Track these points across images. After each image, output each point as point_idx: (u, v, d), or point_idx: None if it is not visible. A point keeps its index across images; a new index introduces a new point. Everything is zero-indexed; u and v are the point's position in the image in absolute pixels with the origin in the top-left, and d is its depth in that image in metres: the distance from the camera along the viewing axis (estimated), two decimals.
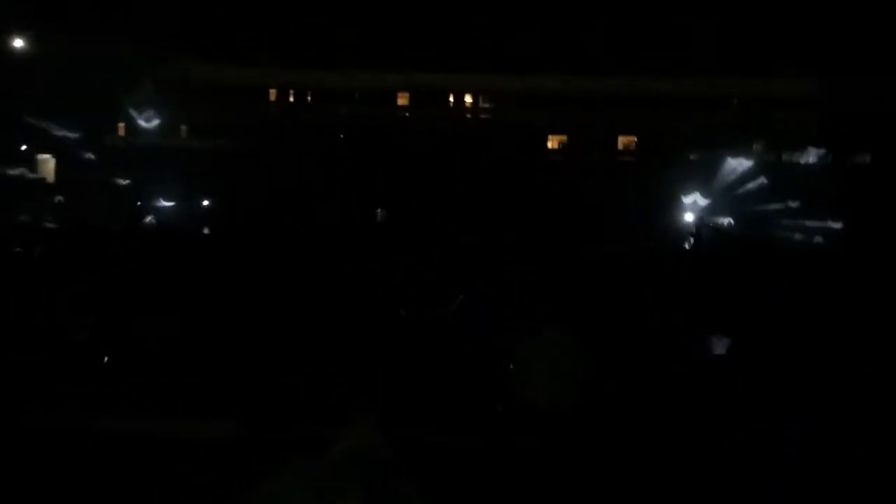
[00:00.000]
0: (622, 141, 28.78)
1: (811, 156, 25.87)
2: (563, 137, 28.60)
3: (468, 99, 29.88)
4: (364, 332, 6.59)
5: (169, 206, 23.91)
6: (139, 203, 23.31)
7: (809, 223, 21.77)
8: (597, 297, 8.06)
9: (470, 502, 4.14)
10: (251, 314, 7.46)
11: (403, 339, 6.52)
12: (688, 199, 24.37)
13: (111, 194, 23.85)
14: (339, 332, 6.67)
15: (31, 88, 24.29)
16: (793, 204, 23.13)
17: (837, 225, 21.38)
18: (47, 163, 27.79)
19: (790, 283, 8.68)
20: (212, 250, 12.95)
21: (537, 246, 13.24)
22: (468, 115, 29.69)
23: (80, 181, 24.99)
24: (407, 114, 29.20)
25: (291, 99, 30.00)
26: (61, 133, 26.13)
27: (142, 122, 27.69)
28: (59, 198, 24.42)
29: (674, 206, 24.32)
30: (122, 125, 28.31)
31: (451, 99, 29.67)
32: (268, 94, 29.83)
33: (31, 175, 26.38)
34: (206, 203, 24.83)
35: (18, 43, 25.54)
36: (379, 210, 25.58)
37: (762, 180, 24.48)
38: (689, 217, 24.16)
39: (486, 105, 29.62)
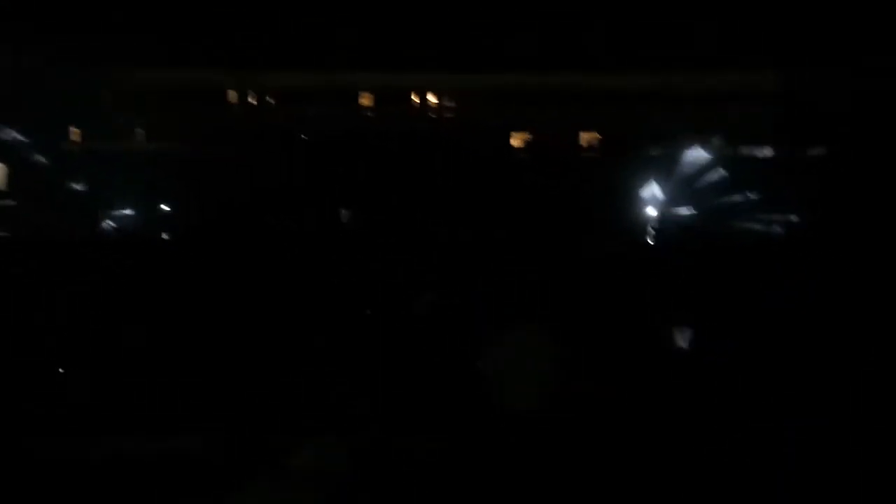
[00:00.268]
0: (584, 137, 29.03)
1: (771, 149, 26.40)
2: (527, 135, 28.73)
3: (431, 98, 29.82)
4: (333, 338, 6.50)
5: (128, 213, 23.35)
6: (98, 210, 22.72)
7: (771, 217, 22.20)
8: (565, 294, 8.07)
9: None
10: (214, 323, 7.30)
11: (374, 342, 6.44)
12: (650, 195, 24.66)
13: (68, 201, 23.21)
14: (307, 339, 6.56)
15: None
16: (754, 197, 23.55)
17: (799, 218, 21.86)
18: None
19: (754, 276, 8.83)
20: (173, 257, 12.69)
21: (504, 244, 13.26)
22: (432, 115, 29.64)
23: (34, 188, 24.27)
24: (370, 114, 29.01)
25: (251, 100, 29.56)
26: (12, 139, 25.32)
27: (97, 127, 26.99)
28: (12, 206, 23.66)
29: (637, 201, 24.59)
30: (76, 130, 27.54)
31: (415, 98, 29.58)
32: (226, 95, 29.33)
33: None
34: (166, 208, 24.29)
35: None
36: (343, 211, 25.34)
37: (723, 174, 24.88)
38: (651, 212, 24.45)
39: (450, 104, 29.61)
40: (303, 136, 29.57)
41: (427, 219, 20.50)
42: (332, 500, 2.97)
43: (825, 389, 5.44)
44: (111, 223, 23.06)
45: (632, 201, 25.81)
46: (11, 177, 28.13)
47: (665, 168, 26.91)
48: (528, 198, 24.58)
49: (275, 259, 10.38)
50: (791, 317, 7.16)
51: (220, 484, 3.42)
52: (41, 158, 27.03)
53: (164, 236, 18.91)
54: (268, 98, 31.18)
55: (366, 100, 31.39)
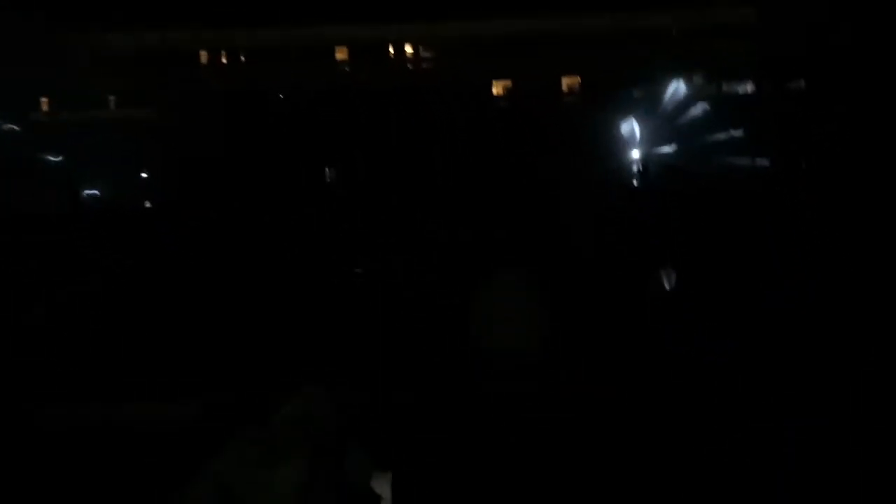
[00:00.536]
0: (566, 82, 28.63)
1: (753, 86, 26.18)
2: (508, 82, 28.28)
3: (408, 49, 29.19)
4: (317, 294, 6.43)
5: (104, 184, 22.92)
6: (71, 179, 22.29)
7: (754, 154, 22.13)
8: (550, 239, 8.01)
9: (425, 460, 4.07)
10: (194, 289, 7.22)
11: (359, 295, 6.38)
12: (633, 136, 24.51)
13: (41, 175, 22.74)
14: (292, 296, 6.50)
15: None
16: (738, 135, 23.43)
17: (781, 156, 21.81)
18: None
19: (739, 214, 8.79)
20: (153, 227, 12.51)
21: (489, 191, 13.14)
22: (409, 66, 29.06)
23: (4, 163, 23.74)
24: (347, 68, 28.39)
25: (224, 60, 28.80)
26: None
27: (67, 95, 26.26)
28: None
29: (620, 143, 24.44)
30: (45, 100, 26.81)
31: (392, 50, 28.94)
32: (198, 56, 28.54)
33: None
34: (143, 176, 23.88)
35: None
36: (326, 169, 25.03)
37: (707, 113, 24.70)
38: (635, 153, 24.32)
39: (428, 54, 29.02)
40: (279, 94, 28.97)
41: (410, 170, 20.27)
42: (317, 454, 2.91)
43: (814, 336, 5.45)
44: (85, 192, 22.66)
45: (615, 143, 25.67)
46: None
47: (647, 108, 26.69)
48: (512, 144, 24.36)
49: (255, 219, 10.23)
50: (778, 256, 7.14)
51: (204, 444, 3.35)
52: (9, 129, 26.38)
53: (141, 203, 18.62)
54: (241, 57, 30.42)
55: (342, 54, 30.69)
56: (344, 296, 6.24)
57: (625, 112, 24.61)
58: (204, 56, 28.56)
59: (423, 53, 29.13)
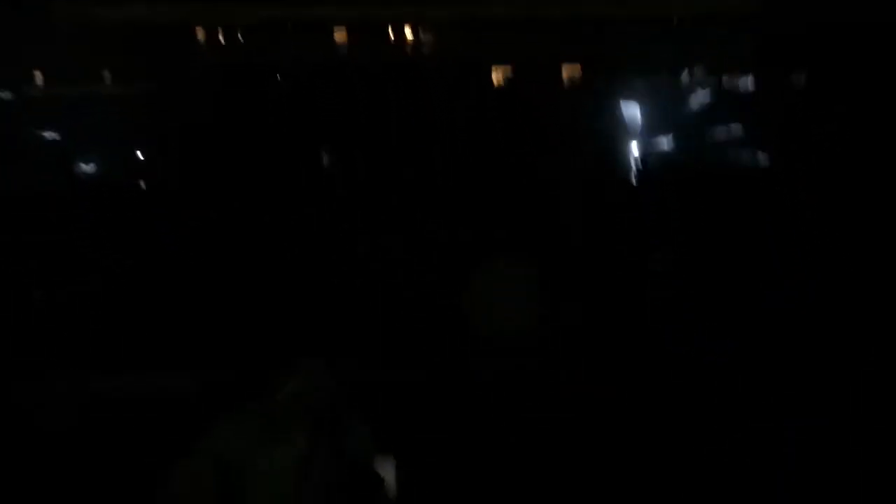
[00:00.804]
0: (565, 69, 28.52)
1: (754, 78, 26.11)
2: (508, 67, 28.14)
3: (408, 31, 29.00)
4: (317, 274, 6.43)
5: (98, 158, 22.77)
6: (66, 157, 22.16)
7: (756, 146, 22.15)
8: (549, 228, 8.01)
9: (424, 436, 4.09)
10: (195, 266, 7.23)
11: (350, 278, 6.37)
12: (634, 125, 24.48)
13: (38, 151, 22.59)
14: (291, 276, 6.49)
15: None
16: (737, 129, 23.40)
17: (782, 149, 21.83)
18: None
19: (740, 206, 8.79)
20: (151, 203, 12.50)
21: (487, 178, 13.10)
22: (409, 48, 28.89)
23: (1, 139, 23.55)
24: (345, 49, 28.19)
25: (220, 37, 28.53)
26: None
27: (61, 69, 25.98)
28: None
29: (619, 134, 24.39)
30: (38, 73, 26.51)
31: (391, 32, 28.75)
32: (194, 31, 28.26)
33: None
34: (137, 153, 23.71)
35: None
36: (322, 152, 24.89)
37: (706, 105, 24.65)
38: (635, 143, 24.29)
39: (428, 37, 28.85)
40: (277, 74, 28.76)
41: (408, 155, 20.22)
42: (317, 429, 2.91)
43: (814, 335, 5.48)
44: (81, 170, 22.49)
45: (615, 132, 25.61)
46: None
47: (648, 98, 26.61)
48: (511, 131, 24.27)
49: (252, 198, 10.20)
50: (780, 254, 7.16)
51: (205, 419, 3.35)
52: (2, 104, 26.12)
53: (137, 182, 18.52)
54: (238, 34, 30.12)
55: (340, 34, 30.45)
56: (344, 274, 6.24)
57: (624, 102, 24.55)
58: (200, 31, 28.29)
59: (421, 35, 28.96)
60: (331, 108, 24.76)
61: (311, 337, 4.67)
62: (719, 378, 4.63)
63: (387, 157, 20.12)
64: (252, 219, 8.61)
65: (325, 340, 4.41)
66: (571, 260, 6.86)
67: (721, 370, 4.67)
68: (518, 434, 4.33)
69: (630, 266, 7.18)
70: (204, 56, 27.88)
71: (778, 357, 4.76)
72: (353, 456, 3.13)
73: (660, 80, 25.20)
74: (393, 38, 29.11)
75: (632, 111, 24.46)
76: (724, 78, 26.34)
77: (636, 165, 22.46)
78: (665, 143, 24.29)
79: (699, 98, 24.90)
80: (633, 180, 19.04)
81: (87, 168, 22.76)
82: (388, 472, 3.19)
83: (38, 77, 26.92)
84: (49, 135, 24.13)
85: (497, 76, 28.93)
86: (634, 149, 24.10)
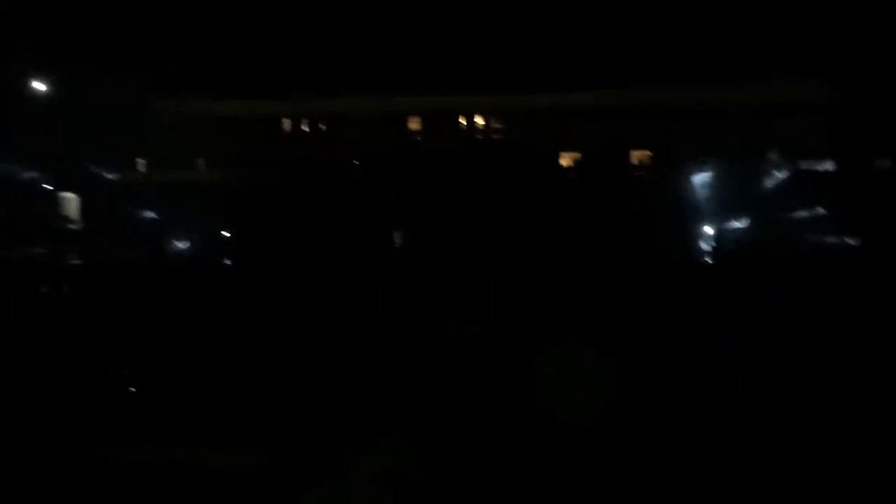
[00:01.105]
0: (635, 155, 28.79)
1: (828, 163, 25.67)
2: (577, 154, 28.66)
3: (479, 120, 30.11)
4: (387, 353, 6.63)
5: (189, 239, 24.23)
6: (161, 236, 23.67)
7: (828, 231, 21.54)
8: (620, 311, 8.04)
9: None
10: (275, 343, 7.52)
11: (427, 360, 6.54)
12: (705, 211, 24.25)
13: (134, 229, 24.25)
14: (363, 358, 6.71)
15: (53, 128, 24.89)
16: (811, 212, 22.89)
17: (856, 232, 21.14)
18: (70, 201, 28.38)
19: (810, 291, 8.62)
20: (234, 282, 13.09)
21: (556, 262, 13.24)
22: (479, 136, 29.90)
23: (102, 217, 25.45)
24: (419, 137, 29.47)
25: (305, 128, 30.43)
26: (82, 170, 26.70)
27: (161, 157, 28.23)
28: (82, 234, 24.89)
29: (692, 218, 24.20)
30: (141, 161, 28.87)
31: (462, 121, 29.92)
32: (281, 123, 30.29)
33: (54, 212, 26.95)
34: (226, 235, 25.14)
35: (40, 84, 26.23)
36: (396, 234, 25.70)
37: (779, 189, 24.30)
38: (707, 229, 24.02)
39: (498, 125, 29.83)
40: (354, 160, 30.27)
41: (479, 239, 20.61)
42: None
43: (880, 395, 5.34)
44: (175, 247, 23.99)
45: (684, 218, 25.41)
46: (82, 205, 29.69)
47: (717, 183, 26.43)
48: (579, 217, 24.44)
49: (331, 280, 10.64)
50: (850, 329, 6.99)
51: (293, 493, 3.53)
52: (109, 188, 28.43)
53: (225, 260, 19.53)
54: (320, 125, 32.10)
55: (415, 124, 31.92)
56: (422, 354, 6.43)
57: (693, 187, 24.48)
58: (287, 123, 30.29)
59: (493, 123, 29.95)
60: (406, 192, 25.72)
61: (395, 418, 4.79)
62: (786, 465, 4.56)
63: (461, 242, 20.58)
64: (330, 301, 9.00)
65: (408, 423, 4.53)
66: (643, 344, 6.86)
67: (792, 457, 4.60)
68: None
69: (702, 351, 7.11)
70: (290, 145, 29.64)
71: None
72: None
73: (729, 167, 25.06)
74: (464, 125, 30.19)
75: (702, 197, 24.31)
76: (797, 163, 25.95)
77: (705, 250, 22.15)
78: (735, 228, 23.93)
79: (767, 182, 24.61)
80: (703, 265, 18.75)
81: (178, 246, 24.19)
82: None
83: (142, 163, 29.19)
84: (147, 214, 25.97)
85: (567, 162, 29.37)
86: (706, 235, 23.82)
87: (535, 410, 5.12)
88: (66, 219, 27.34)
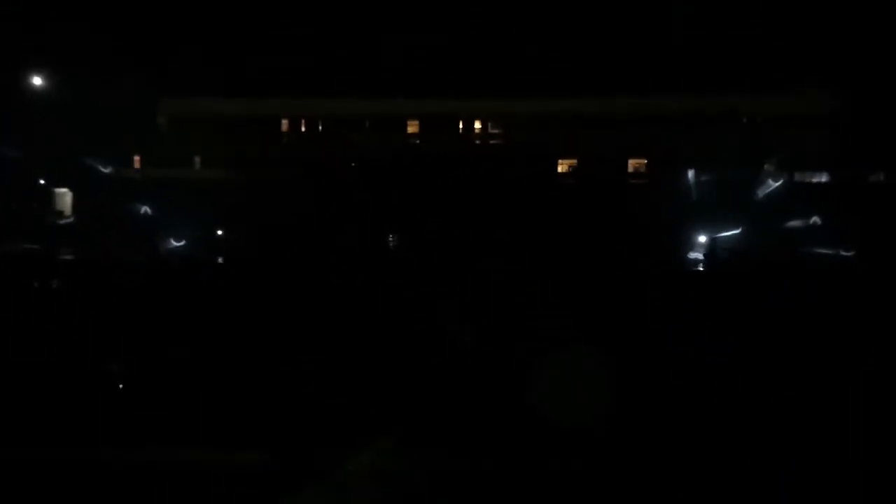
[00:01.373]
0: (632, 163, 28.86)
1: (825, 173, 25.78)
2: (574, 161, 28.71)
3: (477, 125, 30.14)
4: (384, 354, 6.61)
5: (185, 236, 24.16)
6: (155, 233, 23.60)
7: (824, 241, 21.62)
8: (613, 315, 8.05)
9: None
10: (269, 342, 7.49)
11: (422, 359, 6.52)
12: (699, 220, 24.32)
13: (128, 226, 24.16)
14: (358, 357, 6.69)
15: (47, 125, 24.81)
16: (806, 222, 23.00)
17: (851, 242, 21.23)
18: (64, 196, 28.26)
19: (804, 300, 8.64)
20: (229, 280, 13.06)
21: (552, 267, 13.25)
22: (478, 141, 29.92)
23: (96, 213, 25.35)
24: (417, 141, 29.46)
25: (303, 129, 30.39)
26: (77, 167, 26.60)
27: (157, 155, 28.15)
28: (76, 230, 24.79)
29: (686, 226, 24.27)
30: (137, 158, 28.77)
31: (461, 125, 29.93)
32: (279, 124, 30.23)
33: (48, 208, 26.84)
34: (220, 233, 25.07)
35: (36, 81, 26.14)
36: (391, 236, 25.68)
37: (775, 198, 24.39)
38: (701, 237, 24.08)
39: (496, 130, 29.86)
40: (352, 163, 30.24)
41: (476, 244, 20.61)
42: None
43: (877, 398, 5.36)
44: (168, 246, 23.92)
45: (680, 226, 25.47)
46: (76, 201, 29.58)
47: (712, 193, 26.52)
48: (576, 223, 24.48)
49: (327, 281, 10.61)
50: (847, 339, 7.01)
51: (283, 492, 3.51)
52: (104, 184, 28.32)
53: (219, 259, 19.48)
54: (319, 126, 32.05)
55: (413, 127, 31.91)
56: (412, 353, 6.42)
57: (690, 195, 24.55)
58: (285, 124, 30.24)
59: (491, 128, 29.98)
60: (404, 194, 25.70)
61: (387, 418, 4.78)
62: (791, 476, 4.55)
63: (458, 244, 20.58)
64: (325, 300, 8.98)
65: (400, 423, 4.52)
66: (637, 348, 6.87)
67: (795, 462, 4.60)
68: None
69: (697, 353, 7.13)
70: (288, 145, 29.57)
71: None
72: None
73: (727, 176, 25.14)
74: (463, 130, 30.17)
75: (698, 205, 24.39)
76: (793, 173, 26.04)
77: (702, 256, 22.21)
78: (731, 237, 24.00)
79: (766, 193, 24.70)
80: (702, 273, 18.80)
81: (173, 244, 24.11)
82: None
83: (137, 161, 29.06)
84: (142, 210, 25.87)
85: (564, 168, 29.39)
86: (701, 243, 23.89)
87: (528, 411, 5.11)
88: (61, 214, 27.25)
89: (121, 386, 7.06)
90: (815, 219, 22.71)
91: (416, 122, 29.53)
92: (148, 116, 27.73)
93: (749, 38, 26.50)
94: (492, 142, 29.59)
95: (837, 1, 25.17)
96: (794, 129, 25.84)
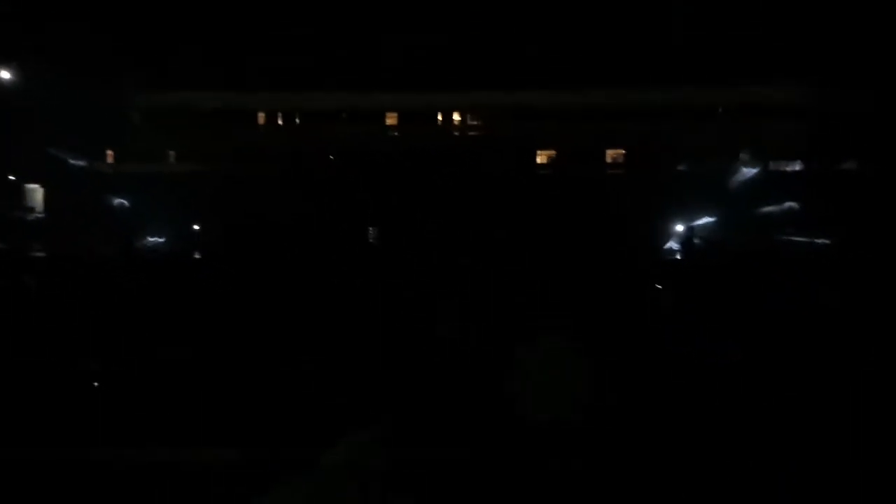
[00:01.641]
0: (610, 154, 29.04)
1: (798, 164, 26.15)
2: (552, 152, 28.81)
3: (456, 116, 30.10)
4: (361, 348, 6.58)
5: (159, 232, 23.87)
6: (129, 229, 23.28)
7: (798, 231, 21.94)
8: (589, 306, 8.08)
9: None
10: (244, 335, 7.43)
11: (401, 351, 6.51)
12: (676, 210, 24.55)
13: (102, 221, 23.82)
14: (335, 349, 6.66)
15: (18, 119, 24.32)
16: (780, 212, 23.32)
17: (826, 232, 21.56)
18: (35, 192, 27.75)
19: (780, 290, 8.75)
20: (204, 275, 12.93)
21: (531, 258, 13.29)
22: (456, 133, 29.89)
23: (70, 208, 24.95)
24: (395, 133, 29.35)
25: (280, 122, 30.12)
26: (49, 162, 26.14)
27: (130, 149, 27.73)
28: (47, 224, 24.39)
29: (663, 217, 24.49)
30: (109, 152, 28.32)
31: (440, 117, 29.87)
32: (256, 117, 29.93)
33: (19, 205, 26.36)
34: (196, 228, 24.80)
35: (5, 74, 25.59)
36: (371, 229, 25.60)
37: (750, 189, 24.69)
38: (677, 228, 24.32)
39: (474, 122, 29.85)
40: (330, 155, 30.04)
41: (454, 236, 20.62)
42: (365, 499, 3.02)
43: (865, 394, 5.43)
44: (143, 241, 23.61)
45: (657, 216, 25.70)
46: (47, 197, 29.07)
47: (689, 183, 26.78)
48: (554, 214, 24.59)
49: (304, 275, 10.54)
50: (823, 328, 7.10)
51: (257, 488, 3.48)
52: (76, 179, 27.86)
53: (195, 254, 19.26)
54: (296, 119, 31.80)
55: (391, 119, 31.79)
56: (392, 348, 6.39)
57: (667, 186, 24.75)
58: (261, 117, 29.94)
59: (470, 120, 29.97)
60: (381, 189, 25.61)
61: (361, 409, 4.78)
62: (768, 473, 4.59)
63: (434, 237, 20.59)
64: (305, 296, 8.93)
65: (374, 413, 4.52)
66: (615, 340, 6.90)
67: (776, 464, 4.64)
68: None
69: (674, 347, 7.19)
70: (265, 138, 29.25)
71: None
72: None
73: (701, 167, 25.40)
74: (441, 122, 30.10)
75: (674, 196, 24.60)
76: (768, 164, 26.38)
77: (678, 247, 22.43)
78: (706, 227, 24.27)
79: (739, 184, 25.00)
80: (675, 261, 18.99)
81: (149, 240, 23.81)
82: None
83: (110, 155, 28.61)
84: (115, 206, 25.51)
85: (542, 160, 29.47)
86: (677, 233, 24.12)
87: (507, 409, 5.10)
88: (32, 211, 26.77)
89: (96, 384, 6.95)
90: (791, 205, 23.06)
91: (395, 115, 29.42)
92: (122, 109, 27.28)
93: (726, 30, 26.74)
94: (470, 133, 29.59)
95: None
96: (770, 119, 26.16)
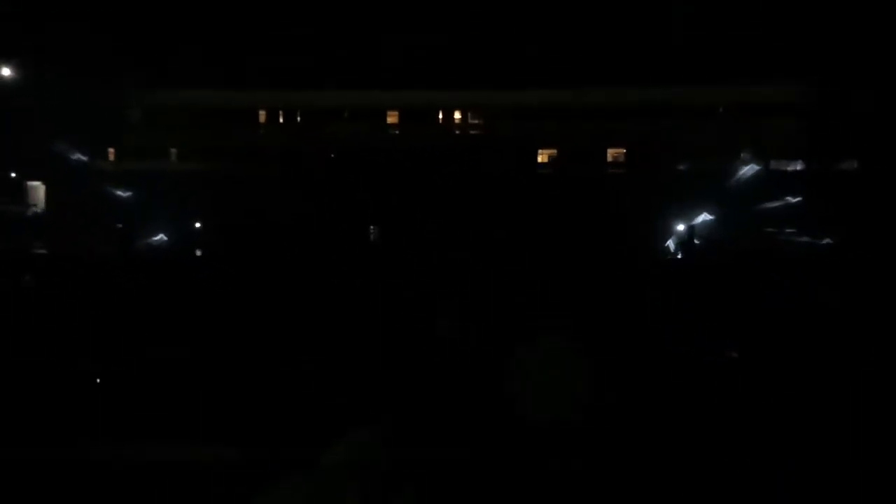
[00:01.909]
0: (611, 153, 29.04)
1: (798, 164, 26.15)
2: (553, 151, 28.80)
3: (457, 115, 30.09)
4: (361, 348, 6.60)
5: (160, 229, 23.90)
6: (131, 227, 23.30)
7: (798, 230, 21.95)
8: (589, 306, 8.10)
9: None
10: (243, 335, 7.45)
11: (401, 351, 6.53)
12: (677, 209, 24.55)
13: (103, 219, 23.84)
14: (336, 348, 6.68)
15: (20, 117, 24.34)
16: (781, 211, 23.32)
17: (825, 231, 21.57)
18: (37, 189, 27.78)
19: (780, 288, 8.77)
20: (204, 273, 12.96)
21: (532, 258, 13.31)
22: (457, 132, 29.89)
23: (71, 206, 24.98)
24: (397, 131, 29.35)
25: (281, 120, 30.12)
26: (51, 159, 26.17)
27: (131, 147, 27.75)
28: (49, 223, 24.41)
29: (663, 216, 24.49)
30: (111, 150, 28.34)
31: (441, 116, 29.87)
32: (257, 115, 29.93)
33: (21, 202, 26.40)
34: (197, 225, 24.82)
35: (6, 72, 25.60)
36: (372, 227, 25.62)
37: (751, 188, 24.68)
38: (678, 227, 24.33)
39: (476, 121, 29.85)
40: (330, 154, 30.05)
41: (454, 234, 20.64)
42: (365, 499, 3.04)
43: (863, 391, 5.45)
44: (143, 239, 23.64)
45: (657, 216, 25.70)
46: (49, 194, 29.09)
47: (689, 183, 26.78)
48: (555, 213, 24.59)
49: (304, 274, 10.56)
50: (822, 327, 7.12)
51: (257, 486, 3.50)
52: (78, 176, 27.88)
53: (195, 252, 19.30)
54: (296, 118, 31.79)
55: (392, 118, 31.79)
56: (389, 346, 6.41)
57: (668, 185, 24.76)
58: (262, 116, 29.94)
59: (471, 119, 29.97)
60: (382, 187, 25.62)
61: (361, 409, 4.79)
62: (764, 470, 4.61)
63: (435, 236, 20.61)
64: (306, 295, 8.94)
65: (374, 413, 4.54)
66: (614, 340, 6.91)
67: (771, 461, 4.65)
68: None
69: (673, 346, 7.21)
70: (265, 137, 29.23)
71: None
72: None
73: (703, 165, 25.38)
74: (442, 122, 30.08)
75: (676, 195, 24.60)
76: (769, 163, 26.35)
77: (678, 245, 22.44)
78: (706, 224, 24.28)
79: (740, 182, 24.99)
80: (675, 261, 19.01)
81: (151, 238, 23.84)
82: None
83: (111, 153, 28.60)
84: (116, 203, 25.52)
85: (543, 158, 29.45)
86: (678, 232, 24.12)
87: (507, 409, 5.12)
88: (35, 206, 26.80)
89: (97, 381, 6.97)
90: (791, 205, 23.07)
91: (396, 113, 29.41)
92: (123, 108, 27.30)
93: (726, 30, 26.74)
94: (471, 132, 29.58)
95: None
96: (770, 119, 26.15)
